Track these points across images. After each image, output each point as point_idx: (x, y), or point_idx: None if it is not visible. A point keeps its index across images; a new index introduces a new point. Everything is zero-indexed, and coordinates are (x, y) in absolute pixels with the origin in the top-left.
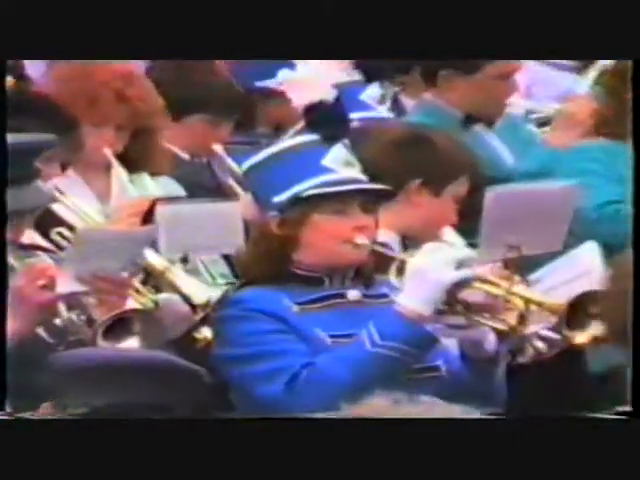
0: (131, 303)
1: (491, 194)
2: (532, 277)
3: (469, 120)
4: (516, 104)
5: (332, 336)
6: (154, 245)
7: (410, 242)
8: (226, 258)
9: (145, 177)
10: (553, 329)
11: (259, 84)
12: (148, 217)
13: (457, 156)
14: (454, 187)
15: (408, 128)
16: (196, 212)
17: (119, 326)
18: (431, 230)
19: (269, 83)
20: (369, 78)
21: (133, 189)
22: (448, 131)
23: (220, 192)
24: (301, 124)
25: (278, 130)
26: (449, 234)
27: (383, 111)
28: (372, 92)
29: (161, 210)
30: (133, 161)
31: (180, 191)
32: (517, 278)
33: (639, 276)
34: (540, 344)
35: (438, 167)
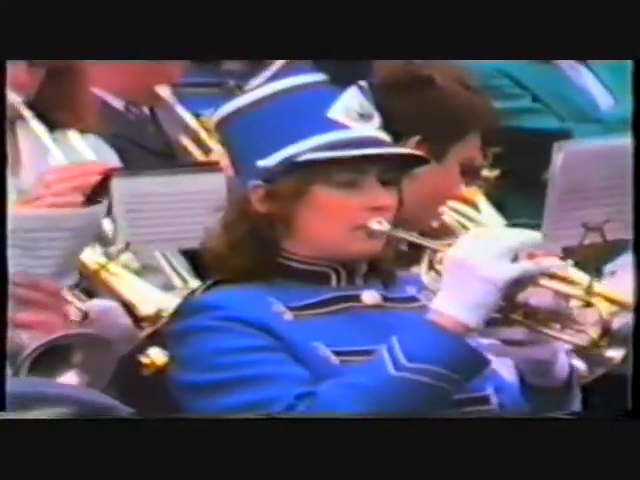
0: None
1: (560, 154)
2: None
3: None
4: None
5: (339, 353)
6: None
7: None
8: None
9: (73, 135)
10: None
11: None
12: (92, 195)
13: (467, 104)
14: (462, 147)
15: (404, 65)
16: (164, 187)
17: (52, 354)
18: (429, 210)
19: None
20: None
21: (59, 153)
22: (456, 66)
23: (166, 155)
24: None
25: (257, 64)
26: (485, 208)
27: None
28: None
29: (118, 184)
30: (51, 112)
31: (112, 155)
32: (597, 273)
33: (639, 278)
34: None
35: (442, 119)
